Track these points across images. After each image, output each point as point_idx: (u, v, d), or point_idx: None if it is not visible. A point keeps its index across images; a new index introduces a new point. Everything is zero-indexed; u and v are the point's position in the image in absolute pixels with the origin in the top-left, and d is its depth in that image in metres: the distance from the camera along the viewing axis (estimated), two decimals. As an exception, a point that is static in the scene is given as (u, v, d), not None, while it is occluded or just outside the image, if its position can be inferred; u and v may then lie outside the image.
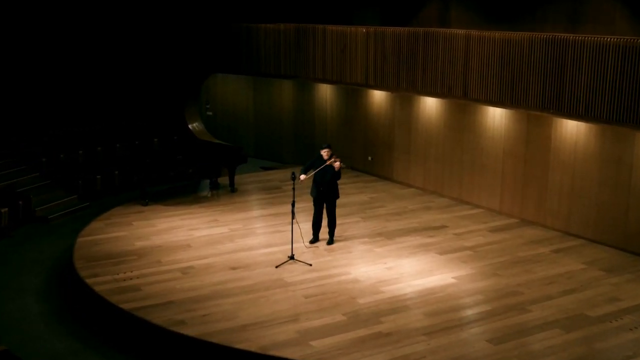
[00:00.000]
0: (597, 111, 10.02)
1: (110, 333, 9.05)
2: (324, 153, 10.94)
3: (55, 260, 11.53)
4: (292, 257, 10.63)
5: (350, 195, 14.33)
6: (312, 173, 10.87)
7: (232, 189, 14.74)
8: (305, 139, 17.46)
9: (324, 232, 11.48)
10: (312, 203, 11.34)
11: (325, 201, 11.18)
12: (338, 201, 11.44)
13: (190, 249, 11.20)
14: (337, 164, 10.88)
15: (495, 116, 12.97)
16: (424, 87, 12.64)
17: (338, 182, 11.18)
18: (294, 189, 10.70)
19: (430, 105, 14.27)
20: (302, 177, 10.87)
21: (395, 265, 10.57)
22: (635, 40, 9.55)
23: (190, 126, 16.82)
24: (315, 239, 11.44)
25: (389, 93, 15.08)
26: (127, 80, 16.98)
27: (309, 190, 11.27)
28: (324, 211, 11.27)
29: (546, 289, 9.73)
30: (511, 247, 11.40)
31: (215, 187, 14.88)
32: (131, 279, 9.94)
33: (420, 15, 14.34)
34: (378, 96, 15.51)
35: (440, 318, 8.83)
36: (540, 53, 10.65)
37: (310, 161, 11.06)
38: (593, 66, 10.00)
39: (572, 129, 11.70)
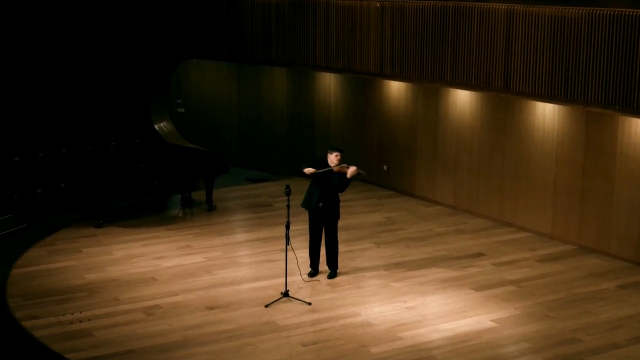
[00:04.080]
0: (676, 108, 10.02)
1: (52, 391, 9.01)
2: (334, 157, 10.94)
3: (-17, 297, 11.49)
4: (286, 294, 10.60)
5: (361, 215, 14.30)
6: (316, 171, 10.86)
7: (210, 207, 14.71)
8: (303, 143, 17.46)
9: (323, 263, 11.47)
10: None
11: (323, 222, 11.17)
12: (343, 222, 11.42)
13: (156, 284, 11.17)
14: (352, 169, 10.88)
15: (546, 114, 12.97)
16: (455, 77, 12.63)
17: (340, 197, 11.21)
18: (288, 206, 10.68)
19: (463, 100, 14.28)
20: (308, 170, 10.86)
21: (418, 304, 10.54)
22: None
23: (156, 126, 16.81)
24: (314, 271, 11.42)
25: (409, 85, 15.09)
26: (76, 68, 16.97)
27: (300, 202, 11.31)
28: (323, 235, 11.28)
29: (611, 335, 9.69)
30: (566, 282, 11.37)
31: (188, 204, 14.85)
32: (80, 321, 9.90)
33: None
34: (396, 89, 15.53)
35: (475, 372, 8.79)
36: (603, 34, 10.65)
37: (314, 161, 11.07)
38: (670, 50, 10.02)
39: (643, 131, 11.71)
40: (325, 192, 11.02)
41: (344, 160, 11.07)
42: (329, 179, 10.99)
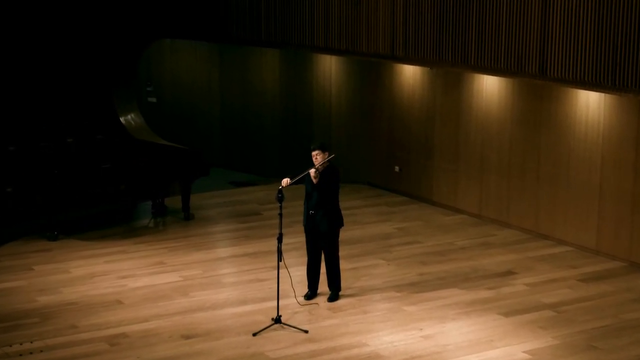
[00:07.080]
0: None
1: None
2: (313, 158, 10.95)
3: None
4: (277, 320, 10.63)
5: (368, 225, 14.31)
6: (296, 179, 10.86)
7: (187, 216, 14.74)
8: (298, 138, 17.48)
9: (324, 282, 11.50)
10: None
11: (318, 235, 11.20)
12: (346, 234, 11.43)
13: (122, 308, 11.19)
14: (312, 170, 10.86)
15: (589, 105, 13.00)
16: (480, 60, 12.66)
17: (341, 204, 11.24)
18: (281, 215, 10.69)
19: (491, 88, 14.31)
20: (286, 181, 10.86)
21: (437, 332, 10.56)
22: None
23: (122, 119, 16.85)
24: (312, 293, 11.44)
25: (426, 70, 15.12)
26: (26, 50, 17.01)
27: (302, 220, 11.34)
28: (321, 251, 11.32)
29: (669, 370, 9.72)
30: (615, 306, 11.39)
31: (160, 212, 14.88)
32: (31, 353, 9.89)
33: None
34: (410, 74, 15.56)
35: (505, 414, 8.83)
36: (658, 8, 10.69)
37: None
38: None
39: None
40: (312, 198, 11.05)
41: (342, 158, 11.08)
42: (312, 189, 10.99)
